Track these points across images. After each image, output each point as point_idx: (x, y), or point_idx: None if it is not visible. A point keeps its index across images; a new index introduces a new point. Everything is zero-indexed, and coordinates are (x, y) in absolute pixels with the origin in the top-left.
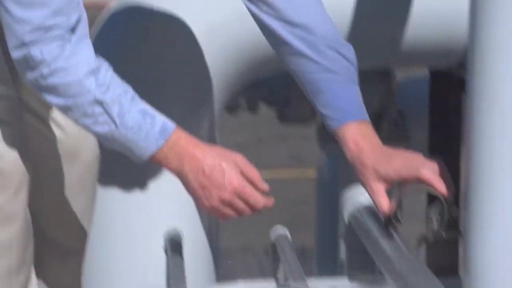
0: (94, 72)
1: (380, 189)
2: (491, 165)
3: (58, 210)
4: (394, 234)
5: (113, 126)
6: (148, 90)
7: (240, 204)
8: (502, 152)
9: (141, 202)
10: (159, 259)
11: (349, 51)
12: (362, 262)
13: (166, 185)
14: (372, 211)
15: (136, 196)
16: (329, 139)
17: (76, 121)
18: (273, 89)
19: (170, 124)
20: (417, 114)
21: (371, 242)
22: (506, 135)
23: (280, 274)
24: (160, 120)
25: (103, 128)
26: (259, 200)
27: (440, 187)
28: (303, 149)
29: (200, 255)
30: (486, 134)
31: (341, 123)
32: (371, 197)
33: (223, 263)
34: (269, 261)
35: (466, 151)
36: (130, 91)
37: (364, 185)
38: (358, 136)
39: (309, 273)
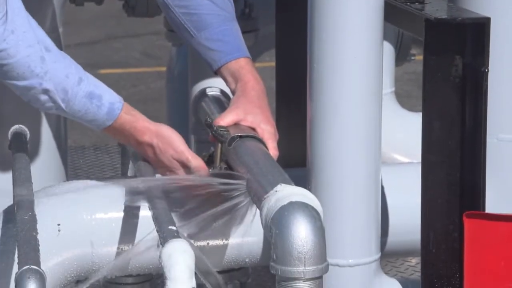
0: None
1: (232, 120)
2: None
3: None
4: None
5: (60, 110)
6: None
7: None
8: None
9: None
10: None
11: None
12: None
13: None
14: (218, 100)
15: None
16: (177, 34)
17: (24, 99)
18: None
19: (117, 104)
20: (264, 5)
21: None
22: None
23: (131, 171)
24: (107, 101)
25: (51, 110)
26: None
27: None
28: (154, 45)
29: (47, 152)
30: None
31: (229, 57)
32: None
33: (75, 161)
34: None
35: (310, 44)
36: (74, 73)
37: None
38: (246, 76)
39: None
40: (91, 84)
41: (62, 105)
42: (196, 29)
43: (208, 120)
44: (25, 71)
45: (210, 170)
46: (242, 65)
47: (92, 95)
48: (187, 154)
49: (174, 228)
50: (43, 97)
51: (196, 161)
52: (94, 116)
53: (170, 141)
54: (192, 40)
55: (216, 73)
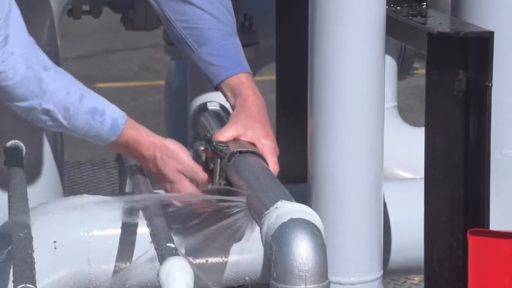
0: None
1: (232, 135)
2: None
3: None
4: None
5: (62, 127)
6: None
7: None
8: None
9: None
10: None
11: (229, 4)
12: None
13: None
14: (217, 115)
15: None
16: (176, 48)
17: (27, 119)
18: None
19: (121, 120)
20: (264, 19)
21: None
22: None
23: (128, 187)
24: (110, 116)
25: (54, 128)
26: (187, 190)
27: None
28: (153, 59)
29: (44, 168)
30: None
31: (230, 72)
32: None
33: (72, 177)
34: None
35: (311, 58)
36: (75, 90)
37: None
38: (246, 91)
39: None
40: (93, 100)
41: (64, 123)
42: (197, 44)
43: (208, 135)
44: (24, 93)
45: (210, 186)
46: (243, 80)
47: (95, 111)
48: (193, 166)
49: (172, 245)
50: (44, 117)
51: (203, 174)
52: (98, 132)
53: (175, 154)
54: (193, 54)
55: (216, 88)
